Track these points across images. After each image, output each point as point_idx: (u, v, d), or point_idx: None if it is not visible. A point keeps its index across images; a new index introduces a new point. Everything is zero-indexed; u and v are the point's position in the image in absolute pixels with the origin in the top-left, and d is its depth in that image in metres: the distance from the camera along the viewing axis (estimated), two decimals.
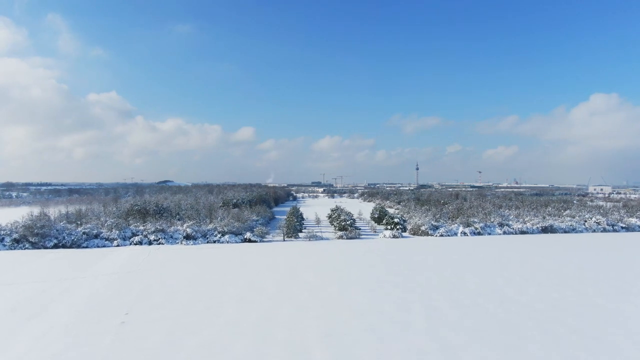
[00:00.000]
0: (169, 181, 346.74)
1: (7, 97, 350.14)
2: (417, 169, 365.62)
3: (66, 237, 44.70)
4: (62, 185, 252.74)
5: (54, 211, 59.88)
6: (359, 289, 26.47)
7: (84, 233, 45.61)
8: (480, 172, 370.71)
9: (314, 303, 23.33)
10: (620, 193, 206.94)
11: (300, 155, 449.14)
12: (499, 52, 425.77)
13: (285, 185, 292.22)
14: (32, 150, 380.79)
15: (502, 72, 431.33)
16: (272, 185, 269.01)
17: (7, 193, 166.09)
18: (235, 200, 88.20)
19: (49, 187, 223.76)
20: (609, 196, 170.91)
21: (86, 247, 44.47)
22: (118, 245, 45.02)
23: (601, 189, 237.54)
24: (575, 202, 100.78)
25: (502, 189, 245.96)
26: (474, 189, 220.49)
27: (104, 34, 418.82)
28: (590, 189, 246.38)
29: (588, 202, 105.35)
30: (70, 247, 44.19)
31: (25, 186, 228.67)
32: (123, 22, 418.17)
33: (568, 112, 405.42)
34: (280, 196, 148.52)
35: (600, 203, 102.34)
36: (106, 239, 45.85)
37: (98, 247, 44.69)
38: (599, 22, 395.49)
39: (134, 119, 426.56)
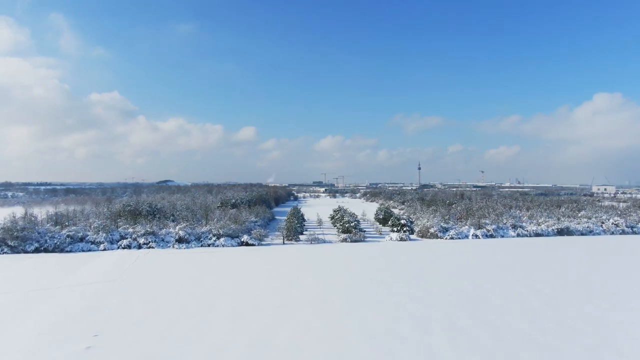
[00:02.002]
0: (169, 181, 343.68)
1: (10, 97, 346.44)
2: (419, 168, 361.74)
3: (48, 240, 41.47)
4: (62, 185, 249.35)
5: (42, 212, 56.68)
6: (368, 303, 23.16)
7: (68, 236, 42.36)
8: (482, 171, 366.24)
9: (318, 321, 20.03)
10: (625, 193, 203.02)
11: (301, 155, 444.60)
12: (502, 52, 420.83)
13: (287, 185, 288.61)
14: (33, 150, 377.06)
15: (505, 72, 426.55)
16: (273, 185, 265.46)
17: (3, 193, 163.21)
18: (233, 201, 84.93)
19: (48, 187, 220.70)
20: (615, 196, 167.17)
21: (70, 251, 41.24)
22: (105, 249, 41.78)
23: (605, 189, 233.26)
24: (583, 202, 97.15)
25: (506, 189, 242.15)
26: (477, 189, 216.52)
27: (106, 33, 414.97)
28: (594, 189, 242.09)
29: (597, 203, 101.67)
30: (53, 251, 40.97)
31: (24, 186, 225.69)
32: (125, 22, 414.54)
33: (571, 111, 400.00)
34: (281, 196, 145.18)
35: (612, 203, 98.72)
36: (92, 243, 42.60)
37: (83, 251, 41.47)
38: (603, 22, 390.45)
39: (135, 119, 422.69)
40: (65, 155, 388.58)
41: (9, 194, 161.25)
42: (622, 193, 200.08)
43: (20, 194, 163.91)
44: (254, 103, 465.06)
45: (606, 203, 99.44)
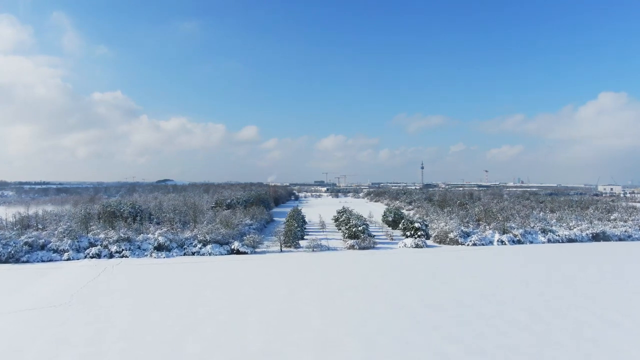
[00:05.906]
0: (168, 180, 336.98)
1: (12, 96, 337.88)
2: (422, 168, 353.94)
3: (1, 248, 34.97)
4: (61, 184, 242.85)
5: (8, 213, 50.19)
6: (392, 346, 16.58)
7: (25, 243, 35.91)
8: (486, 171, 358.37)
9: None
10: (635, 192, 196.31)
11: (303, 155, 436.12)
12: (506, 51, 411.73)
13: (288, 184, 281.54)
14: (35, 150, 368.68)
15: (509, 71, 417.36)
16: (273, 184, 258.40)
17: None
18: (229, 201, 78.46)
19: (43, 187, 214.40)
20: (626, 196, 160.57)
21: (27, 261, 34.79)
22: (69, 259, 35.32)
23: (611, 189, 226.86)
24: (610, 203, 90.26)
25: (512, 188, 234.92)
26: (483, 189, 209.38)
27: (109, 32, 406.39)
28: (600, 188, 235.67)
29: (614, 203, 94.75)
30: (6, 261, 34.57)
31: (20, 185, 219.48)
32: (128, 21, 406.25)
33: (575, 110, 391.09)
34: (281, 196, 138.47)
35: (634, 204, 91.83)
36: (54, 251, 36.13)
37: (43, 261, 35.03)
38: (608, 20, 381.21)
39: (138, 118, 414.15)
40: (67, 154, 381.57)
41: None
42: (630, 193, 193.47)
43: (11, 193, 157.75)
44: (256, 102, 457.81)
45: (631, 204, 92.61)
